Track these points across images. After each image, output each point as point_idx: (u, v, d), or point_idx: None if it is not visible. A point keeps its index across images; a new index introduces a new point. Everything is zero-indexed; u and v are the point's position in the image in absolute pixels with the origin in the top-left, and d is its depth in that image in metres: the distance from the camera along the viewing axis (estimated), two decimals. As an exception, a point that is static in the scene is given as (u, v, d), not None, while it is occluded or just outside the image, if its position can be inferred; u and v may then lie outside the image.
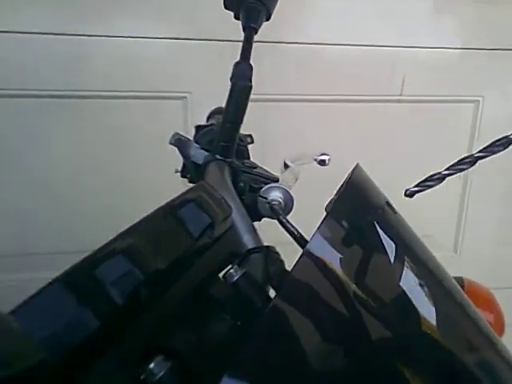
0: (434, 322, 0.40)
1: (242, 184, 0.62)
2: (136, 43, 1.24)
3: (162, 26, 1.25)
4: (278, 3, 0.75)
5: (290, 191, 0.61)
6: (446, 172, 0.40)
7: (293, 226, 0.51)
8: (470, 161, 0.39)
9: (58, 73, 1.23)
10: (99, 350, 0.30)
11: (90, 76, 1.25)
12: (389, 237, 0.44)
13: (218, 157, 0.63)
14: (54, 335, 0.28)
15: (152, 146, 1.24)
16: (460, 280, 0.73)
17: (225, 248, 0.48)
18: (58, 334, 0.28)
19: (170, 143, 0.67)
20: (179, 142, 0.66)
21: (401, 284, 0.41)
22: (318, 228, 0.38)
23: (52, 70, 1.23)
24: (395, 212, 0.48)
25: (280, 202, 0.60)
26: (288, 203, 0.60)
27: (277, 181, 0.64)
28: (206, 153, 0.65)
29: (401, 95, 1.37)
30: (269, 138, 1.30)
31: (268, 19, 0.72)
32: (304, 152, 0.92)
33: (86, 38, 1.22)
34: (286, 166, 0.78)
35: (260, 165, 0.68)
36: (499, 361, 0.45)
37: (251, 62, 0.67)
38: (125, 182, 1.28)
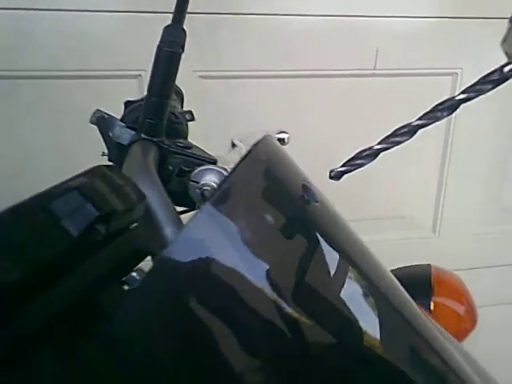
0: (365, 324, 0.34)
1: (170, 167, 0.54)
2: (82, 17, 1.13)
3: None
4: None
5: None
6: (379, 146, 0.32)
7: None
8: (407, 131, 0.31)
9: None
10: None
11: (31, 54, 1.13)
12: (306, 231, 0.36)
13: (143, 136, 0.54)
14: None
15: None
16: (427, 268, 0.67)
17: (130, 244, 0.40)
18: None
19: (91, 122, 0.58)
20: (101, 121, 0.57)
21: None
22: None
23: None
24: (316, 201, 0.39)
25: (214, 187, 0.52)
26: (224, 189, 0.52)
27: (214, 163, 0.56)
28: (133, 132, 0.57)
29: (374, 69, 1.28)
30: (227, 116, 1.21)
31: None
32: (260, 130, 0.84)
33: (25, 11, 1.11)
34: (233, 145, 0.70)
35: (197, 144, 0.60)
36: (441, 367, 0.38)
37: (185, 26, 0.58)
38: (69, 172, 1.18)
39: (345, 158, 0.44)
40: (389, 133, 0.32)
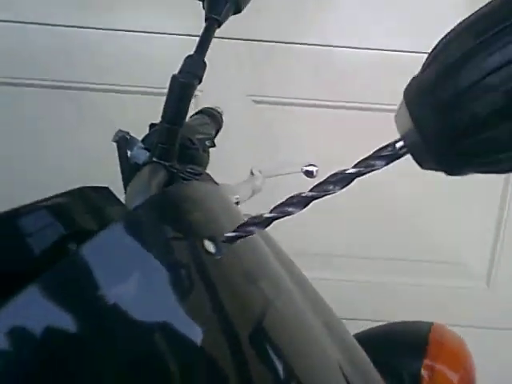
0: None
1: (175, 191, 0.56)
2: (145, 38, 1.21)
3: (173, 21, 1.21)
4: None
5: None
6: (311, 194, 0.30)
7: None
8: (340, 178, 0.30)
9: (60, 63, 1.22)
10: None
11: (94, 68, 1.22)
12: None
13: (154, 159, 0.57)
14: None
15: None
16: (428, 325, 0.62)
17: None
18: None
19: (113, 140, 0.62)
20: (122, 140, 0.61)
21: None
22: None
23: (55, 61, 1.22)
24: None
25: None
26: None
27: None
28: (148, 153, 0.60)
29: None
30: (274, 140, 1.22)
31: (236, 13, 0.66)
32: (290, 160, 0.85)
33: (93, 30, 1.20)
34: (251, 173, 0.72)
35: (208, 172, 0.62)
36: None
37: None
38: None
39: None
40: (322, 180, 0.31)
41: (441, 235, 1.37)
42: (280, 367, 0.35)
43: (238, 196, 0.61)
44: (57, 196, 0.39)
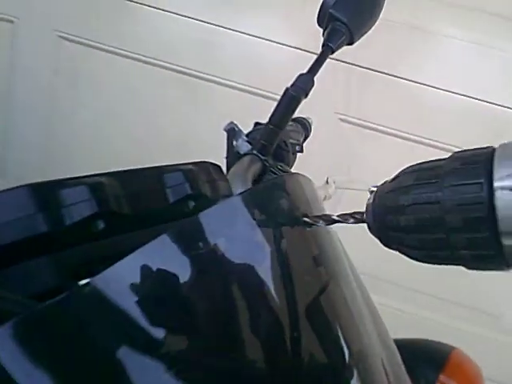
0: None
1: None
2: (261, 44, 1.34)
3: (288, 33, 1.33)
4: (389, 33, 0.79)
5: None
6: None
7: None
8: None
9: (191, 53, 1.37)
10: (39, 251, 0.38)
11: (217, 63, 1.37)
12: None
13: (254, 152, 0.69)
14: (4, 225, 0.35)
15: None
16: (450, 348, 0.70)
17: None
18: (8, 226, 0.35)
19: (224, 129, 0.74)
20: (231, 131, 0.73)
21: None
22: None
23: (187, 50, 1.37)
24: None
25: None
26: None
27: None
28: (249, 146, 0.71)
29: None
30: (352, 158, 1.32)
31: (350, 44, 0.76)
32: (362, 179, 0.94)
33: (221, 28, 1.35)
34: (326, 182, 0.82)
35: (293, 171, 0.73)
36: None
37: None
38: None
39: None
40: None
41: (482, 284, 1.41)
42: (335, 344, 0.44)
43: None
44: (189, 163, 0.51)
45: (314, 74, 0.71)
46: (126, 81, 1.44)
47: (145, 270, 0.35)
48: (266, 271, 0.40)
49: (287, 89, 0.68)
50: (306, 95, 0.69)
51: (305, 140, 0.93)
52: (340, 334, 0.43)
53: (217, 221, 0.41)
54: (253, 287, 0.39)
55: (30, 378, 0.27)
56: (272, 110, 0.68)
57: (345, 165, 1.32)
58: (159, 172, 0.47)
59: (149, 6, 1.37)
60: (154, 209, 0.46)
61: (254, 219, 0.42)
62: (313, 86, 0.70)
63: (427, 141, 1.32)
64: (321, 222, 0.44)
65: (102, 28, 1.41)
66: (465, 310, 1.44)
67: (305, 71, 0.71)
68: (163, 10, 1.37)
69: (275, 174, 0.69)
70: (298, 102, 0.68)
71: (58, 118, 1.49)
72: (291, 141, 0.78)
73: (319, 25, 0.77)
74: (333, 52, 0.74)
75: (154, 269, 0.35)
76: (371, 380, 0.44)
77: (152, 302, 0.34)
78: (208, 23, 1.35)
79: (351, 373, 0.42)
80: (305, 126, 0.92)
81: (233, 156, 0.73)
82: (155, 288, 0.35)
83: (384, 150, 1.34)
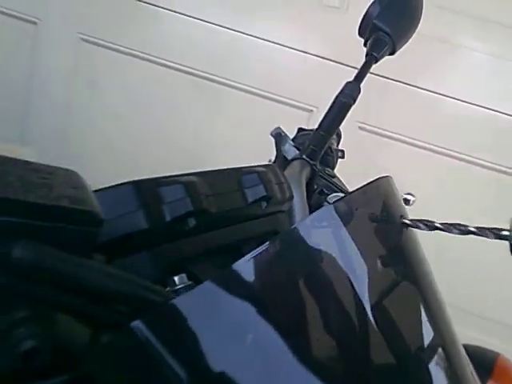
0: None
1: (315, 186, 0.69)
2: (276, 49, 1.36)
3: (311, 41, 1.36)
4: (409, 44, 0.80)
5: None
6: None
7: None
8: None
9: (205, 56, 1.39)
10: (140, 246, 0.39)
11: (231, 67, 1.39)
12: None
13: (304, 157, 0.71)
14: (111, 220, 0.36)
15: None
16: (495, 354, 0.72)
17: (274, 225, 0.55)
18: (115, 221, 0.36)
19: (271, 135, 0.76)
20: (278, 136, 0.75)
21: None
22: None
23: (202, 53, 1.39)
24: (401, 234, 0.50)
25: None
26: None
27: (346, 193, 0.70)
28: (297, 151, 0.73)
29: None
30: (368, 165, 1.34)
31: (392, 54, 0.78)
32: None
33: (238, 33, 1.37)
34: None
35: (339, 177, 0.75)
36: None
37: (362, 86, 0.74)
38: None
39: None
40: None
41: None
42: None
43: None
44: (260, 166, 0.52)
45: (360, 82, 0.73)
46: (143, 82, 1.45)
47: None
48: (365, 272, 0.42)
49: (337, 96, 0.70)
50: (354, 101, 0.71)
51: (337, 146, 0.95)
52: (426, 329, 0.45)
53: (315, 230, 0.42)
54: (357, 292, 0.41)
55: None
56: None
57: (361, 171, 1.34)
58: (238, 173, 0.49)
59: (169, 10, 1.38)
60: (234, 208, 0.47)
61: (347, 226, 0.44)
62: (359, 93, 0.72)
63: (443, 150, 1.35)
64: (422, 226, 0.45)
65: (122, 31, 1.43)
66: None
67: (351, 79, 0.73)
68: (184, 15, 1.38)
69: (324, 178, 0.71)
70: (348, 109, 0.70)
71: (77, 110, 1.50)
72: (333, 147, 0.80)
73: (360, 35, 0.80)
74: (376, 61, 0.77)
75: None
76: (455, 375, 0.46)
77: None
78: (228, 28, 1.36)
79: (433, 366, 0.44)
80: (337, 134, 0.94)
81: (280, 160, 0.75)
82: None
83: (401, 158, 1.37)
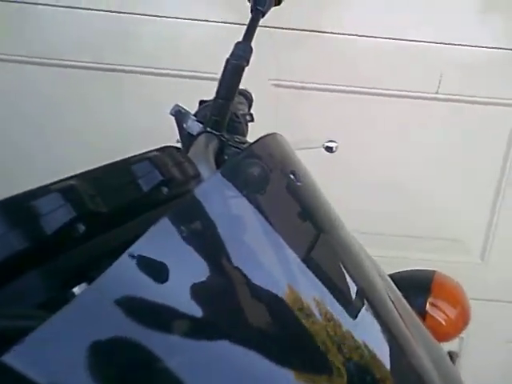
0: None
1: (226, 156, 0.67)
2: (181, 24, 1.31)
3: (205, 8, 1.31)
4: None
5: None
6: None
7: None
8: None
9: (108, 48, 1.32)
10: (25, 267, 0.36)
11: (137, 53, 1.33)
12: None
13: (208, 129, 0.68)
14: None
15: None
16: (432, 272, 0.75)
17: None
18: None
19: (170, 113, 0.72)
20: (178, 114, 0.71)
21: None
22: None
23: (103, 45, 1.32)
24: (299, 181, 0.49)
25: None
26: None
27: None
28: (201, 125, 0.70)
29: (437, 93, 1.35)
30: (292, 122, 1.33)
31: (277, 4, 0.76)
32: (313, 138, 0.95)
33: (136, 16, 1.30)
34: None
35: (251, 141, 0.72)
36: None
37: (253, 43, 0.71)
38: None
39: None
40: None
41: (435, 211, 1.48)
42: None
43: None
44: (154, 150, 0.49)
45: (251, 40, 0.70)
46: (39, 88, 1.37)
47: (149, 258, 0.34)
48: (267, 233, 0.40)
49: (228, 60, 0.67)
50: (248, 62, 0.68)
51: (249, 110, 0.92)
52: (347, 272, 0.44)
53: (210, 197, 0.40)
54: (259, 253, 0.39)
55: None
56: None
57: (284, 129, 1.33)
58: (126, 164, 0.46)
59: (51, 6, 1.29)
60: (130, 202, 0.45)
61: (242, 189, 0.42)
62: (251, 52, 0.69)
63: (361, 89, 1.35)
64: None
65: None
66: (430, 242, 1.51)
67: (240, 39, 0.70)
68: (68, 7, 1.30)
69: (235, 147, 0.68)
70: (242, 71, 0.68)
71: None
72: (239, 112, 0.77)
73: (242, -10, 0.76)
74: (263, 15, 0.74)
75: (158, 255, 0.34)
76: (383, 309, 0.46)
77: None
78: (122, 13, 1.29)
79: (363, 303, 0.43)
80: (246, 97, 0.92)
81: (186, 138, 0.72)
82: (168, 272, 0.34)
83: (322, 106, 1.36)
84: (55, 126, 1.38)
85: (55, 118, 1.37)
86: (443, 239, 1.51)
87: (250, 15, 0.73)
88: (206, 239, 0.38)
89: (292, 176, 0.47)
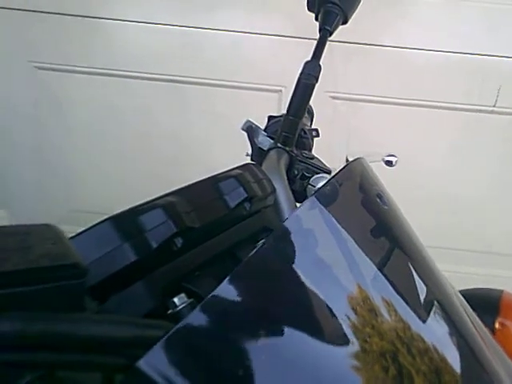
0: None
1: (296, 171, 0.69)
2: (242, 37, 1.35)
3: (264, 22, 1.34)
4: (359, 9, 0.80)
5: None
6: None
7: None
8: None
9: (173, 60, 1.37)
10: (132, 278, 0.39)
11: (200, 64, 1.37)
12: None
13: (279, 145, 0.70)
14: (98, 260, 0.37)
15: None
16: (500, 292, 0.74)
17: (262, 222, 0.55)
18: (101, 260, 0.37)
19: (242, 129, 0.75)
20: (249, 129, 0.75)
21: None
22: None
23: (168, 57, 1.37)
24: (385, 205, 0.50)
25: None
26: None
27: (329, 173, 0.70)
28: (271, 141, 0.73)
29: (495, 106, 1.34)
30: (349, 133, 1.34)
31: (344, 23, 0.78)
32: (373, 151, 0.97)
33: (199, 30, 1.35)
34: (346, 160, 0.84)
35: (318, 157, 0.75)
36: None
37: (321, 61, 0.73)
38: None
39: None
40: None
41: (475, 225, 1.46)
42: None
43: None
44: (236, 168, 0.52)
45: (319, 59, 0.73)
46: (108, 98, 1.44)
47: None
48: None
49: (299, 78, 0.70)
50: (317, 80, 0.71)
51: (311, 124, 0.95)
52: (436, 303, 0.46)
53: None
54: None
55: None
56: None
57: (343, 140, 1.34)
58: (214, 182, 0.49)
59: (120, 20, 1.36)
60: (218, 217, 0.48)
61: (333, 215, 0.44)
62: (320, 70, 0.72)
63: (417, 102, 1.35)
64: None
65: (73, 51, 1.40)
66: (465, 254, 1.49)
67: (309, 58, 0.72)
68: (135, 22, 1.36)
69: (302, 162, 0.71)
70: (312, 89, 0.70)
71: (49, 148, 1.49)
72: (307, 128, 0.80)
73: (309, 9, 0.79)
74: (331, 34, 0.76)
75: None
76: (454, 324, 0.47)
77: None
78: (186, 27, 1.35)
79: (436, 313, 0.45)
80: (309, 111, 0.94)
81: (256, 153, 0.75)
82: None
83: (377, 118, 1.37)
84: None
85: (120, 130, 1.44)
86: (481, 252, 1.49)
87: (317, 33, 0.75)
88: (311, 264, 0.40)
89: (378, 199, 0.48)
